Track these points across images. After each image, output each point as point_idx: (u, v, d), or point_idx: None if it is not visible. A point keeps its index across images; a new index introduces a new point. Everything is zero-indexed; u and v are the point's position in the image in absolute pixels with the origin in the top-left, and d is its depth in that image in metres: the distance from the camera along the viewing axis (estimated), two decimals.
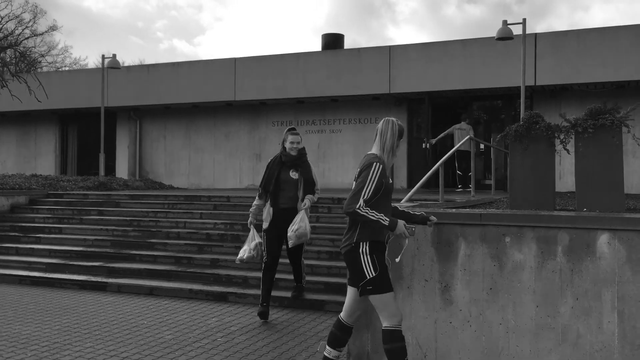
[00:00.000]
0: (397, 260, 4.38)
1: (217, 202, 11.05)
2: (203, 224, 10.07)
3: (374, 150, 4.20)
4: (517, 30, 12.94)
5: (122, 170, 19.72)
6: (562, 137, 6.66)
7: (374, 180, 4.00)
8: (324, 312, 6.92)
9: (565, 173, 13.14)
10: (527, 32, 13.17)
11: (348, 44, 19.41)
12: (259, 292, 7.36)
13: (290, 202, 6.51)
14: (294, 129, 6.72)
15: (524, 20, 12.83)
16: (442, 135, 14.39)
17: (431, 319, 4.75)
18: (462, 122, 14.23)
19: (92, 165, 19.85)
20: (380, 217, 3.97)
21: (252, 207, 6.66)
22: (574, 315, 4.34)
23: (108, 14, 74.35)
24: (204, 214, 10.51)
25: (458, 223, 4.68)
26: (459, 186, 14.10)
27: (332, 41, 18.44)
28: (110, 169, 19.22)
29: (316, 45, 66.41)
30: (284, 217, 6.47)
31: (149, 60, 59.86)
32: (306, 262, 7.78)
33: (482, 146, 14.51)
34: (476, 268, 4.61)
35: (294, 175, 6.54)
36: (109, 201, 12.02)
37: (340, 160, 17.03)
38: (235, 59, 17.47)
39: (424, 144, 15.69)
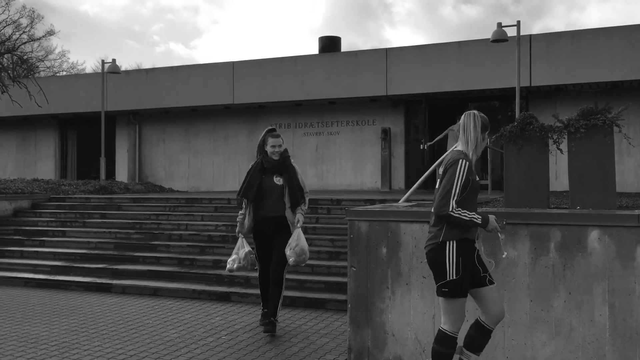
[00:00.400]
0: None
1: (217, 205, 11.22)
2: (204, 225, 10.23)
3: (459, 146, 4.03)
4: (512, 32, 13.14)
5: (122, 173, 19.87)
6: (555, 137, 6.84)
7: (461, 178, 3.82)
8: (324, 311, 7.08)
9: (562, 173, 13.30)
10: (523, 33, 13.39)
11: (345, 45, 19.70)
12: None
13: (275, 210, 6.06)
14: (274, 129, 6.24)
15: (518, 22, 13.04)
16: (438, 137, 14.59)
17: (429, 314, 4.92)
18: (457, 122, 14.44)
19: (91, 169, 20.02)
20: (473, 216, 3.83)
21: (239, 217, 6.20)
22: (566, 309, 4.51)
23: (104, 18, 74.52)
24: (205, 216, 10.67)
25: None
26: None
27: (329, 44, 18.62)
28: (110, 172, 19.37)
29: (313, 47, 66.59)
30: (269, 224, 6.09)
31: (146, 63, 60.11)
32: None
33: None
34: None
35: (278, 181, 6.08)
36: (111, 204, 12.17)
37: (338, 162, 17.20)
38: (233, 63, 17.64)
39: (421, 145, 15.87)
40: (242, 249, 6.12)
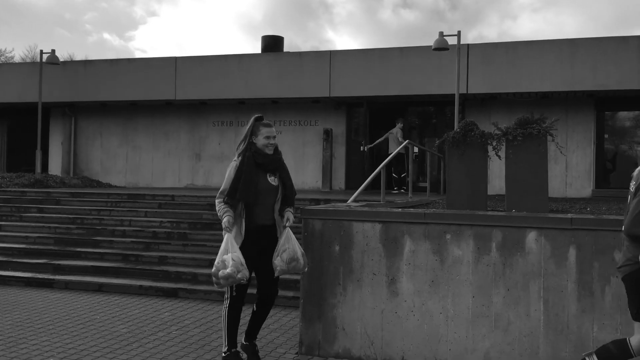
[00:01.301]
0: None
1: (161, 201, 11.17)
2: (148, 222, 10.18)
3: None
4: (451, 40, 13.68)
5: (56, 167, 19.32)
6: (494, 144, 7.29)
7: None
8: (273, 307, 7.19)
9: (494, 177, 13.93)
10: (461, 42, 13.94)
11: (285, 44, 19.75)
12: (209, 287, 7.55)
13: (269, 218, 4.91)
14: (262, 117, 5.05)
15: (459, 32, 13.59)
16: (378, 140, 15.12)
17: (378, 309, 5.18)
18: (396, 126, 14.91)
19: (21, 161, 19.39)
20: None
21: (225, 211, 4.76)
22: (505, 304, 4.86)
23: (33, 4, 71.77)
24: (149, 212, 10.61)
25: (404, 221, 5.13)
26: (395, 188, 14.71)
27: (272, 43, 18.77)
28: (43, 166, 18.80)
29: (253, 43, 66.38)
30: (260, 236, 4.89)
31: (78, 53, 58.22)
32: None
33: (416, 149, 15.23)
34: (420, 262, 5.07)
35: (273, 181, 4.90)
36: (48, 199, 11.89)
37: None
38: (176, 58, 17.49)
39: (361, 147, 16.25)
40: (235, 252, 4.66)
